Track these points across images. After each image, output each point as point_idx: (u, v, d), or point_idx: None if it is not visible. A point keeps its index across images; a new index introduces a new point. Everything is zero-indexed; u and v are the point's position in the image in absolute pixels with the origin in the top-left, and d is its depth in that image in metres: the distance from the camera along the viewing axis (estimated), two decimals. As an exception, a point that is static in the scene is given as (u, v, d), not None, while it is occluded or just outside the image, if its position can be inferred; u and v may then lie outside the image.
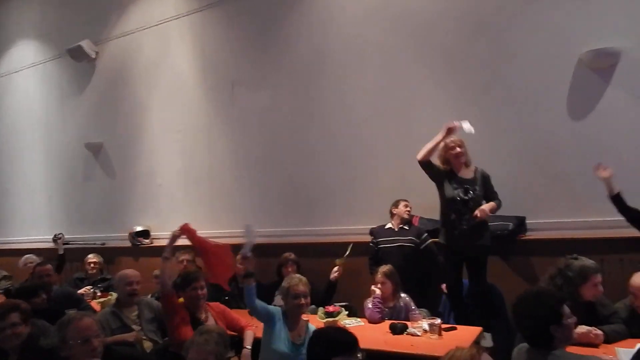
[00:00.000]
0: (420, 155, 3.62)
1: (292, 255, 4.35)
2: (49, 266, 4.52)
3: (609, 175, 3.16)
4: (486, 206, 3.52)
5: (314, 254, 4.53)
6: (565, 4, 3.84)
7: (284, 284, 2.98)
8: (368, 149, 4.64)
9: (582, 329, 2.50)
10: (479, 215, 3.45)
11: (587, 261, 2.72)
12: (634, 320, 2.67)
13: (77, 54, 6.49)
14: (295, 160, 5.05)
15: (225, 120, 5.51)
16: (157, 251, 5.58)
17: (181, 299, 3.35)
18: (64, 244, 5.73)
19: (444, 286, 3.79)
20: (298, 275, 3.09)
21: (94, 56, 6.53)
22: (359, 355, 1.98)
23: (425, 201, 3.99)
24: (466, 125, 3.50)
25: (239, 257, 3.09)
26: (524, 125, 3.99)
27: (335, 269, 3.92)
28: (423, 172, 3.69)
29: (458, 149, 3.59)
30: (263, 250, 4.75)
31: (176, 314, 3.07)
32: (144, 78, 6.14)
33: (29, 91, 7.36)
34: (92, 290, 4.83)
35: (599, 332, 2.55)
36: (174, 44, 5.90)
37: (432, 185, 3.73)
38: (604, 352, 2.41)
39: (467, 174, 3.63)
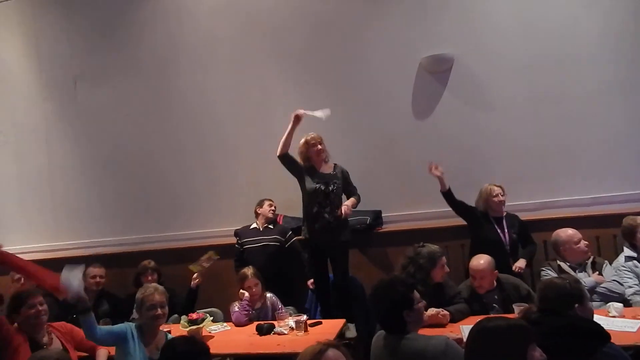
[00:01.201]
0: (278, 150, 3.63)
1: (152, 263, 4.06)
2: None
3: (439, 174, 3.54)
4: (349, 202, 3.64)
5: (176, 260, 4.29)
6: (407, 11, 4.16)
7: (138, 295, 2.75)
8: (229, 148, 4.56)
9: (431, 311, 2.71)
10: (344, 212, 3.55)
11: (432, 247, 2.99)
12: (474, 299, 2.99)
13: None
14: (152, 162, 4.75)
15: (67, 120, 4.99)
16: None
17: (15, 325, 2.89)
18: None
19: (310, 282, 3.85)
20: (153, 284, 2.88)
21: None
22: None
23: (288, 199, 4.02)
24: (319, 113, 3.57)
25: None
26: (374, 123, 4.26)
27: (195, 275, 3.74)
28: (285, 170, 3.70)
29: (319, 146, 3.67)
30: (118, 261, 4.40)
31: (10, 343, 2.64)
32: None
33: None
34: None
35: (446, 312, 2.79)
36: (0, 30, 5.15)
37: (295, 183, 3.77)
38: (451, 330, 2.65)
39: (327, 169, 3.74)
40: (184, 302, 3.76)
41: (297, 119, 3.58)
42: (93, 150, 4.88)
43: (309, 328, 3.03)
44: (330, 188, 3.63)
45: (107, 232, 4.76)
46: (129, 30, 4.78)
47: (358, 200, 3.76)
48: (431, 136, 4.12)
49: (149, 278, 3.93)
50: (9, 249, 4.70)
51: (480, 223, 3.61)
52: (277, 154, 3.64)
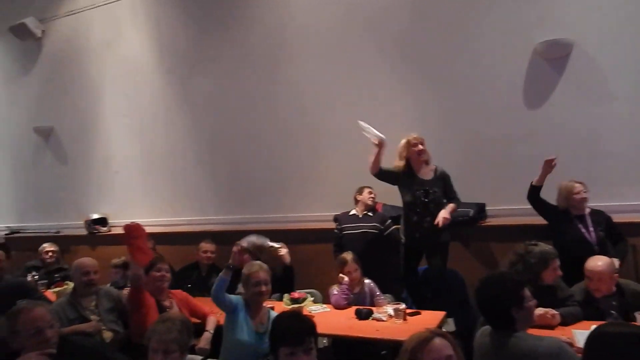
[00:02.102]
0: (370, 170, 3.65)
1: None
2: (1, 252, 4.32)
3: (551, 170, 3.33)
4: (447, 212, 3.54)
5: (277, 241, 4.48)
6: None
7: (244, 271, 2.94)
8: (332, 135, 4.62)
9: (539, 310, 2.58)
10: (440, 224, 3.48)
11: (546, 247, 2.81)
12: (588, 303, 2.78)
13: (21, 32, 6.13)
14: (260, 146, 4.97)
15: (184, 106, 5.37)
16: (115, 239, 5.45)
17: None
18: (12, 232, 5.46)
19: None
20: (258, 262, 3.04)
21: (39, 35, 6.19)
22: (311, 344, 1.96)
23: (389, 188, 4.02)
24: (374, 133, 3.53)
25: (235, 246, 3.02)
26: (481, 113, 4.07)
27: (283, 251, 3.86)
28: (385, 158, 3.70)
29: (420, 147, 3.63)
30: (227, 238, 4.70)
31: (144, 304, 2.99)
32: (96, 59, 5.89)
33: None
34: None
35: (555, 313, 2.65)
36: (127, 23, 5.69)
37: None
38: (562, 333, 2.50)
39: (426, 174, 3.67)
40: (280, 280, 3.92)
41: (380, 145, 3.55)
42: (206, 134, 5.23)
43: (407, 317, 3.04)
44: (430, 198, 3.57)
45: (218, 210, 5.10)
46: (240, 22, 5.01)
47: (458, 206, 3.66)
48: (543, 128, 3.86)
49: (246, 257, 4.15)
50: (133, 221, 5.29)
51: (562, 222, 3.37)
52: (372, 174, 3.67)
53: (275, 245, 3.75)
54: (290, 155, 4.80)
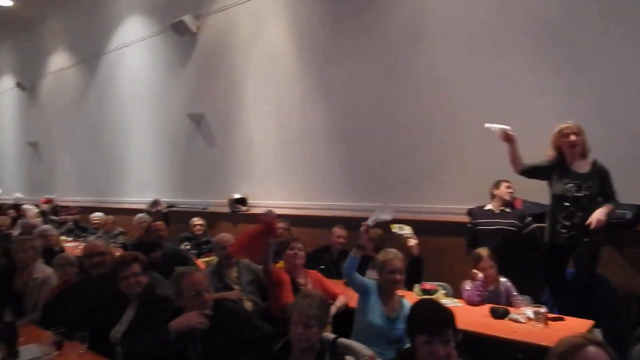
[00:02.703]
0: (513, 170, 3.45)
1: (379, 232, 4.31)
2: (161, 223, 4.95)
3: None
4: (602, 213, 3.19)
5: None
6: None
7: (380, 257, 2.99)
8: (465, 126, 4.45)
9: None
10: (594, 225, 3.17)
11: None
12: None
13: (180, 29, 6.81)
14: (387, 135, 4.98)
15: (320, 93, 5.55)
16: (254, 218, 5.87)
17: (281, 263, 3.51)
18: (169, 206, 6.21)
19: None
20: (394, 250, 3.06)
21: (195, 30, 6.82)
22: (448, 336, 1.92)
23: (530, 183, 3.77)
24: (498, 126, 3.33)
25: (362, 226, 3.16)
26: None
27: (413, 241, 3.80)
28: (527, 150, 3.47)
29: (573, 137, 3.30)
30: (352, 224, 4.80)
31: (280, 282, 3.22)
32: (241, 51, 6.33)
33: (138, 64, 7.90)
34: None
35: None
36: (270, 17, 6.01)
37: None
38: None
39: (581, 167, 3.34)
40: (407, 271, 3.90)
41: (508, 138, 3.32)
42: (341, 121, 5.36)
43: (548, 322, 2.85)
44: (583, 192, 3.25)
45: (350, 197, 5.23)
46: (378, 10, 5.01)
47: (615, 208, 3.28)
48: None
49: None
50: (269, 203, 5.69)
51: None
52: (515, 173, 3.46)
53: (407, 232, 3.74)
54: (425, 145, 4.72)
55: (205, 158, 6.80)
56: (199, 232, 5.74)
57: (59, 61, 9.67)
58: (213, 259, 4.62)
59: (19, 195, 10.08)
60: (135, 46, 7.88)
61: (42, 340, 2.86)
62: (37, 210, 8.51)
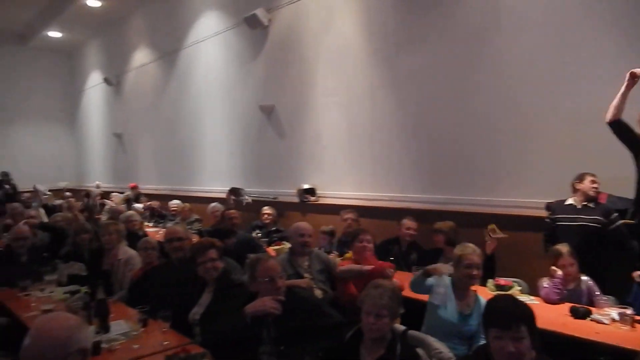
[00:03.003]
0: (607, 115, 3.18)
1: (450, 224, 4.22)
2: (234, 211, 5.16)
3: None
4: None
5: (475, 224, 4.34)
6: None
7: (457, 251, 2.93)
8: (545, 114, 4.22)
9: None
10: None
11: None
12: None
13: (252, 22, 6.96)
14: (460, 125, 4.82)
15: (389, 84, 5.48)
16: (323, 208, 5.99)
17: (349, 254, 3.55)
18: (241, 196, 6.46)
19: (637, 274, 3.34)
20: (472, 244, 2.99)
21: (266, 23, 6.95)
22: (521, 333, 1.83)
23: (616, 176, 3.53)
24: None
25: None
26: None
27: (493, 238, 3.68)
28: (614, 142, 3.25)
29: None
30: (426, 216, 4.74)
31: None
32: (311, 43, 6.38)
33: (212, 58, 8.20)
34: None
35: None
36: (340, 8, 5.99)
37: (625, 157, 3.26)
38: None
39: None
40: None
41: (633, 77, 3.06)
42: (410, 113, 5.27)
43: (636, 324, 2.67)
44: None
45: (419, 189, 5.15)
46: (449, 1, 4.88)
47: None
48: None
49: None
50: (338, 193, 5.74)
51: None
52: (607, 120, 3.21)
53: (500, 235, 3.66)
54: (502, 136, 4.53)
55: (275, 148, 6.97)
56: (268, 221, 5.91)
57: (141, 57, 10.26)
58: (283, 247, 4.75)
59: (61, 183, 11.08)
60: (210, 41, 8.18)
61: (129, 317, 3.10)
62: (122, 196, 9.17)
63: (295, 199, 6.34)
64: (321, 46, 6.24)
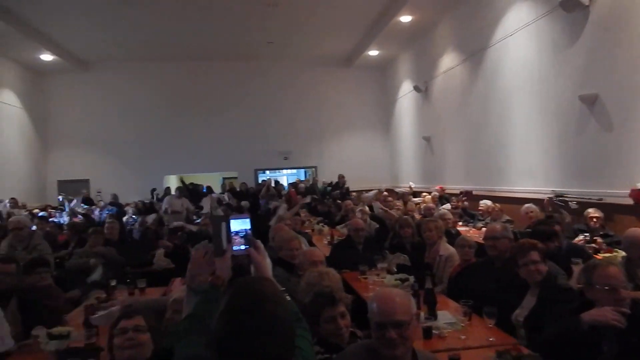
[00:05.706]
0: None
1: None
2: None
3: None
4: None
5: None
6: None
7: None
8: None
9: None
10: None
11: None
12: None
13: (568, 5, 6.32)
14: None
15: None
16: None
17: None
18: (557, 196, 5.94)
19: None
20: None
21: (587, 3, 6.19)
22: None
23: None
24: None
25: None
26: None
27: None
28: None
29: None
30: None
31: None
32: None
33: (522, 51, 7.81)
34: None
35: None
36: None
37: None
38: None
39: None
40: None
41: None
42: None
43: None
44: None
45: None
46: None
47: None
48: None
49: None
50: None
51: None
52: None
53: None
54: None
55: (599, 143, 6.13)
56: (596, 226, 5.28)
57: (447, 62, 10.67)
58: (615, 255, 4.18)
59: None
60: (519, 34, 7.84)
61: (452, 308, 3.30)
62: (431, 196, 9.74)
63: (627, 201, 5.44)
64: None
